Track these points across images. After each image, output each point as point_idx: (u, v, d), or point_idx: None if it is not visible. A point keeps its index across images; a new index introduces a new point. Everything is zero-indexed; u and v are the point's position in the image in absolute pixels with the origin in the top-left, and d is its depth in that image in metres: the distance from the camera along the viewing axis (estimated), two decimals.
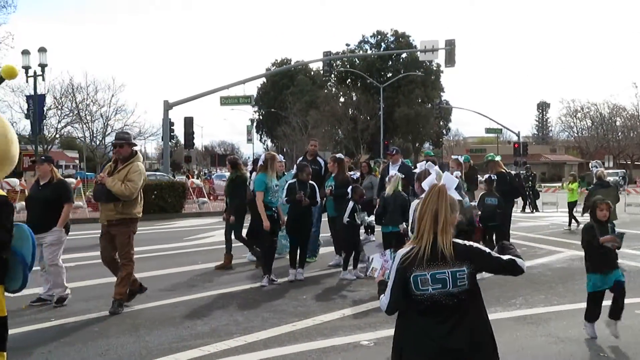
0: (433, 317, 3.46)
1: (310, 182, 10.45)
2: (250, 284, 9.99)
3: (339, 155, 12.14)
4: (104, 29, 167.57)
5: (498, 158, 13.88)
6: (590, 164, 20.88)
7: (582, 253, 7.13)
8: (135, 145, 8.40)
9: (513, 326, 7.49)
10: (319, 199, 10.72)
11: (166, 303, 8.70)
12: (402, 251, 3.54)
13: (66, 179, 10.01)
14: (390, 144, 63.67)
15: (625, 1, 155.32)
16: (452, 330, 3.42)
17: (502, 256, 3.56)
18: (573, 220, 19.67)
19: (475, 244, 3.55)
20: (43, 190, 8.63)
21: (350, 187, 10.81)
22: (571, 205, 20.37)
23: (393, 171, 10.74)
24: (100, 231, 8.49)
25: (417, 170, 8.80)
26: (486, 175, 12.30)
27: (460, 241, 3.49)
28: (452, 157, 11.92)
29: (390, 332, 6.94)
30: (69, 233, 8.84)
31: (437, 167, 6.69)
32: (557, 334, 7.11)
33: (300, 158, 12.90)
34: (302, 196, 9.99)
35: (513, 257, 3.54)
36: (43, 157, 9.07)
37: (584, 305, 8.47)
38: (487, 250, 3.55)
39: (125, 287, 8.23)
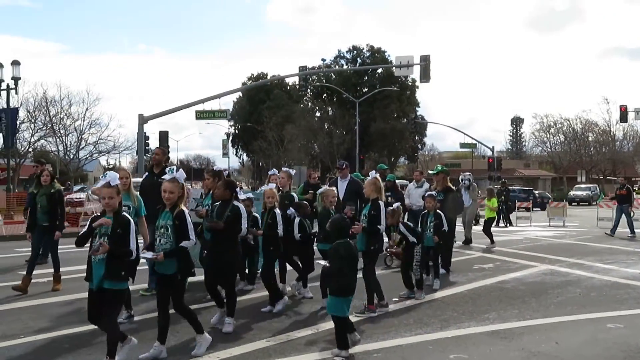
0: None
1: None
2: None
3: (217, 167, 10.34)
4: (80, 42, 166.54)
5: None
6: (460, 177, 18.71)
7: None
8: None
9: (486, 341, 7.49)
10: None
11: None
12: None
13: None
14: (366, 159, 63.99)
15: (597, 20, 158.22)
16: None
17: None
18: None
19: None
20: None
21: (294, 204, 9.61)
22: (490, 222, 19.07)
23: (341, 185, 10.33)
24: None
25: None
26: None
27: None
28: (283, 169, 10.73)
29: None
30: None
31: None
32: (530, 349, 7.12)
33: (147, 173, 10.71)
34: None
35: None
36: None
37: (556, 319, 8.55)
38: None
39: None
